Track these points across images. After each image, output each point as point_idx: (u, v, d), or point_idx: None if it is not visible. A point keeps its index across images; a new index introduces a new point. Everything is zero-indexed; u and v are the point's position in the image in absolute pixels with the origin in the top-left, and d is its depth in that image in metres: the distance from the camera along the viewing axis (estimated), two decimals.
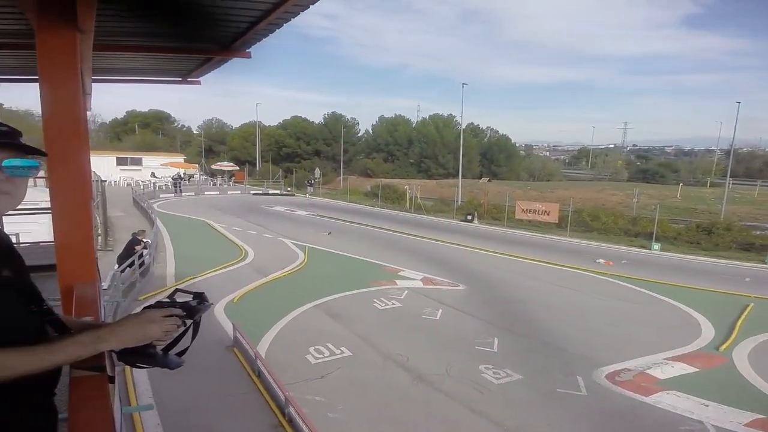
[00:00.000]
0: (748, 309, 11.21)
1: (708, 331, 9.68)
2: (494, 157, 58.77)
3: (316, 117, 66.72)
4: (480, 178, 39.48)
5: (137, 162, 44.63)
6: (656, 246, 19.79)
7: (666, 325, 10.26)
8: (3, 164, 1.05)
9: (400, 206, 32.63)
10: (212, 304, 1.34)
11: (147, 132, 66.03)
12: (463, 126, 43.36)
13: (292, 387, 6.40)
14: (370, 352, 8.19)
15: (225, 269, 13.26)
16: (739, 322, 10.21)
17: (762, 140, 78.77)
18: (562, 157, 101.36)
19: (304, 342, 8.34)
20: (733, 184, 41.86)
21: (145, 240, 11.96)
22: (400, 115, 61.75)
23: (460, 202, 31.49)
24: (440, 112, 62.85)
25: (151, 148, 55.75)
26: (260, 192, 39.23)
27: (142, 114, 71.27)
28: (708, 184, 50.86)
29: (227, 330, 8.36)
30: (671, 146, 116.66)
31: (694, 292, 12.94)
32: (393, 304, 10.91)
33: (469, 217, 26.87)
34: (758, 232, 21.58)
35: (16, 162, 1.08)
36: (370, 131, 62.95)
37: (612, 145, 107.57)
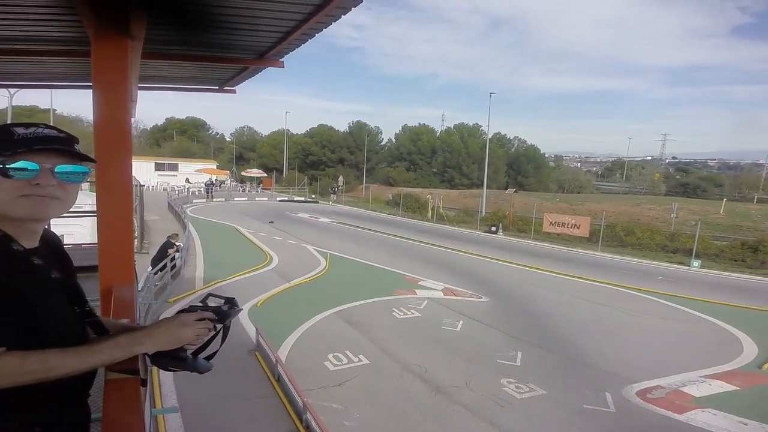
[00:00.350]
0: None
1: (750, 350, 9.34)
2: (521, 167, 58.23)
3: (342, 125, 68.28)
4: (506, 189, 39.16)
5: (174, 168, 46.87)
6: (696, 263, 19.16)
7: (704, 342, 9.94)
8: (56, 170, 1.08)
9: (422, 216, 32.74)
10: (241, 309, 1.37)
11: (183, 139, 69.21)
12: (489, 135, 43.28)
13: (310, 393, 6.54)
14: (388, 362, 8.27)
15: (251, 273, 13.70)
16: None
17: None
18: (594, 168, 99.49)
19: (324, 348, 8.51)
20: None
21: (177, 243, 12.47)
22: (423, 124, 62.32)
23: (484, 213, 31.30)
24: (466, 121, 63.04)
25: (187, 154, 58.40)
26: (286, 199, 40.42)
27: (180, 121, 74.91)
28: (755, 200, 49.04)
29: (250, 334, 8.63)
30: (714, 159, 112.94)
31: (736, 310, 12.48)
32: (412, 313, 10.97)
33: (494, 229, 26.67)
34: None
35: (69, 168, 1.10)
36: (393, 140, 63.65)
37: (649, 158, 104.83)
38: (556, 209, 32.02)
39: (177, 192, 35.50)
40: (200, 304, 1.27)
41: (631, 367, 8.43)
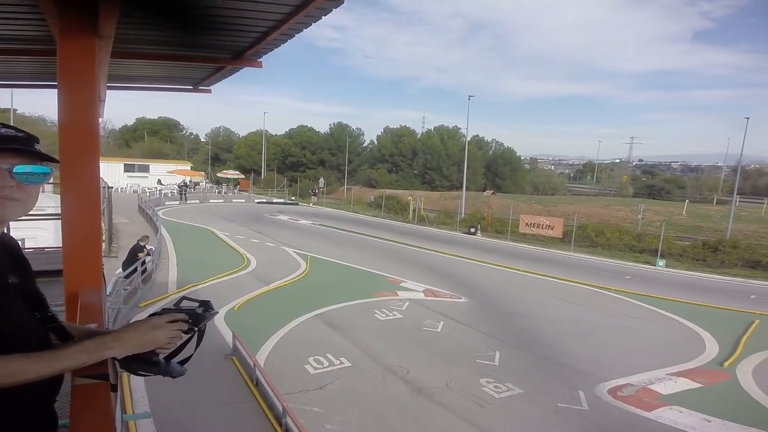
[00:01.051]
0: (754, 325, 11.18)
1: (712, 348, 9.65)
2: (499, 169, 58.94)
3: (323, 127, 67.38)
4: (484, 191, 39.54)
5: (144, 169, 44.95)
6: (661, 262, 19.74)
7: (670, 341, 10.23)
8: (14, 170, 1.03)
9: (404, 217, 32.71)
10: (217, 312, 1.33)
11: (155, 139, 66.70)
12: (468, 138, 43.63)
13: (290, 397, 6.42)
14: (370, 364, 8.21)
15: (227, 277, 13.36)
16: (744, 338, 10.19)
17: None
18: (567, 171, 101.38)
19: (304, 352, 8.37)
20: (739, 201, 41.78)
21: (148, 247, 12.09)
22: (405, 126, 62.09)
23: (463, 215, 31.55)
24: (446, 124, 63.27)
25: (159, 155, 56.25)
26: (264, 200, 39.43)
27: (151, 121, 72.16)
28: (714, 201, 50.65)
29: (226, 338, 8.42)
30: (678, 162, 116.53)
31: (698, 309, 12.90)
32: (394, 315, 10.94)
33: (473, 230, 26.91)
34: None
35: (29, 168, 1.05)
36: (375, 142, 63.38)
37: (618, 160, 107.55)
38: (531, 211, 32.54)
39: (148, 194, 33.93)
40: (173, 307, 1.23)
41: (603, 365, 8.60)
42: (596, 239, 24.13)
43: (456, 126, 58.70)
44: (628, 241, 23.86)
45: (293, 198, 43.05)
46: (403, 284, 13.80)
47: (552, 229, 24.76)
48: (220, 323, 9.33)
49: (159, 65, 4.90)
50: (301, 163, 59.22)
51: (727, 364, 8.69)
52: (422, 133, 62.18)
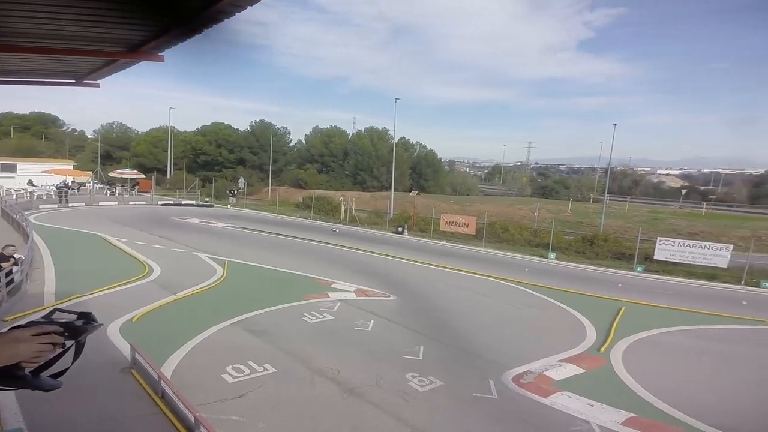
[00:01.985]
0: (621, 312, 12.59)
1: (591, 334, 10.67)
2: (423, 171, 60.41)
3: (243, 125, 62.40)
4: (410, 191, 40.36)
5: (10, 168, 37.52)
6: (552, 255, 21.63)
7: (560, 328, 11.16)
8: None
9: (335, 218, 32.01)
10: (100, 324, 1.22)
11: (26, 136, 57.32)
12: (396, 140, 44.09)
13: (204, 408, 5.88)
14: (299, 368, 7.83)
15: (122, 287, 11.81)
16: (615, 324, 11.35)
17: (631, 160, 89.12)
18: (479, 173, 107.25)
19: (221, 361, 7.69)
20: (609, 200, 47.21)
21: (16, 256, 10.46)
22: (335, 126, 60.54)
23: (392, 215, 31.93)
24: (376, 125, 63.22)
25: (32, 153, 48.20)
26: (171, 202, 35.04)
27: (21, 116, 61.86)
28: (591, 200, 56.12)
29: (123, 351, 7.53)
30: (564, 164, 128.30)
31: (580, 298, 14.28)
32: (325, 317, 10.64)
33: (400, 229, 27.34)
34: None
35: None
36: (304, 142, 60.67)
37: (519, 163, 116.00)
38: (450, 210, 33.85)
39: (15, 197, 28.56)
40: (43, 320, 1.14)
41: (508, 354, 9.09)
42: (502, 235, 25.76)
43: (385, 128, 58.99)
44: (527, 237, 25.78)
45: (207, 199, 38.77)
46: (334, 285, 13.54)
47: (467, 227, 25.98)
48: (114, 336, 8.29)
49: (36, 58, 4.12)
50: (217, 162, 53.90)
51: (602, 349, 9.59)
52: (353, 134, 61.61)
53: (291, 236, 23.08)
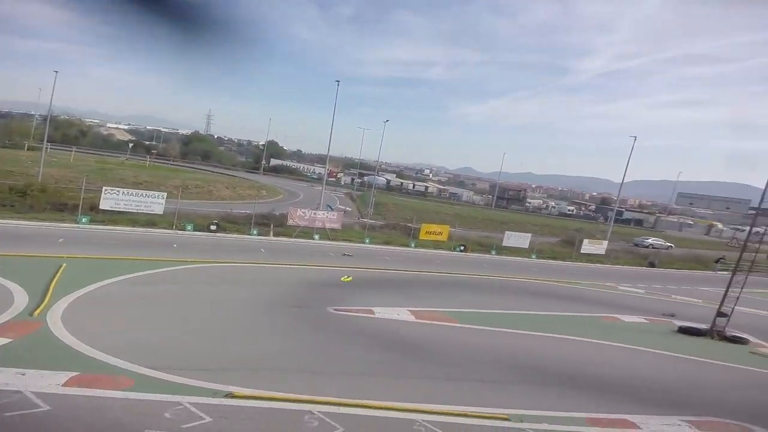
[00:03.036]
0: (62, 269, 11.30)
1: (21, 299, 8.90)
2: None
3: None
4: None
5: None
6: None
7: None
8: None
9: None
10: None
11: None
12: None
13: None
14: None
15: None
16: (53, 284, 10.08)
17: (78, 110, 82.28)
18: None
19: None
20: (51, 148, 40.57)
21: None
22: None
23: None
24: None
25: None
26: None
27: None
28: (26, 147, 47.59)
29: None
30: None
31: (8, 259, 11.47)
32: None
33: None
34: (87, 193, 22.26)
35: None
36: None
37: None
38: None
39: None
40: None
41: None
42: None
43: None
44: None
45: None
46: None
47: None
48: None
49: None
50: None
51: (36, 313, 8.27)
52: None
53: None
